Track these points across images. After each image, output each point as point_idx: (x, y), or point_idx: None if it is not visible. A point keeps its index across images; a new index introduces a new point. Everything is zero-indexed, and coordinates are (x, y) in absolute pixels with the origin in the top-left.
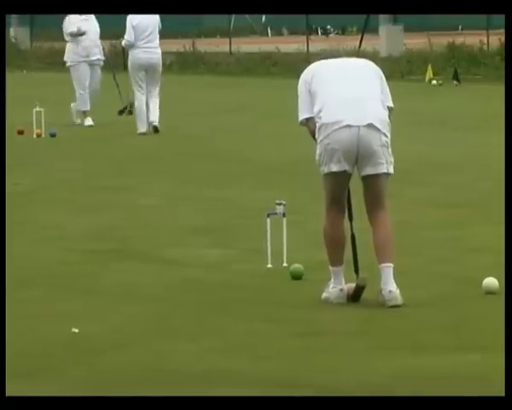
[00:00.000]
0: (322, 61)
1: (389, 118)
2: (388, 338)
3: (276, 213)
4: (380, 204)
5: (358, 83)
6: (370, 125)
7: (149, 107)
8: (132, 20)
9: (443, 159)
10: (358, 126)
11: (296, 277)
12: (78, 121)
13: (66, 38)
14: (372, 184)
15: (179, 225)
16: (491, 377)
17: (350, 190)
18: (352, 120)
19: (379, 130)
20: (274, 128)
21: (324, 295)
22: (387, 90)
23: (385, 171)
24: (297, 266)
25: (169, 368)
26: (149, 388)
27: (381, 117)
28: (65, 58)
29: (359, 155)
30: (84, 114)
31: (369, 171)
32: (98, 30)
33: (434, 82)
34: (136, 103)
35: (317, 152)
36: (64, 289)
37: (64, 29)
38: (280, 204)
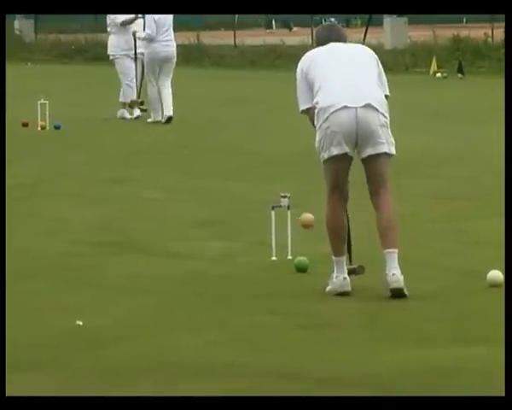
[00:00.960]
0: (319, 48)
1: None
2: (392, 331)
3: (280, 206)
4: (382, 186)
5: (355, 67)
6: (368, 106)
7: (163, 98)
8: (154, 14)
9: (447, 152)
10: (356, 107)
11: (300, 269)
12: (128, 116)
13: (112, 29)
14: (373, 165)
15: (183, 218)
16: (495, 370)
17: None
18: (349, 102)
19: (377, 109)
20: (279, 121)
21: (328, 288)
22: (384, 76)
23: (386, 151)
24: (301, 258)
25: (173, 360)
26: (153, 380)
27: (378, 98)
28: (108, 51)
29: (359, 136)
30: (131, 105)
31: (369, 151)
32: (142, 23)
33: (439, 75)
34: (149, 94)
35: (317, 138)
36: (68, 281)
37: (110, 21)
38: (284, 197)
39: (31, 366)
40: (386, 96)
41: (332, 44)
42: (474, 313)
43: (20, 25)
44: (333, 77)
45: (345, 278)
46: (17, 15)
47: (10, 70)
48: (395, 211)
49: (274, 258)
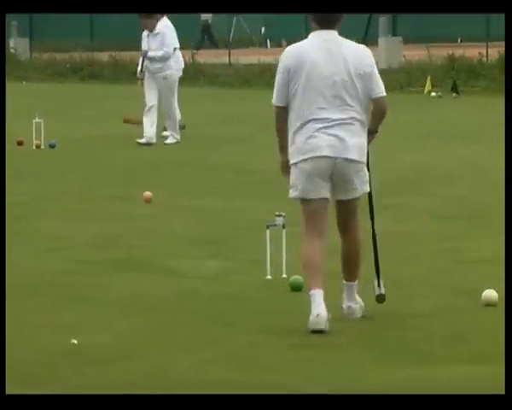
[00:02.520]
0: (307, 48)
1: (381, 107)
2: (389, 349)
3: (275, 225)
4: (352, 220)
5: (341, 97)
6: (347, 160)
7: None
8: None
9: (442, 170)
10: (336, 158)
11: (295, 288)
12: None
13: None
14: (344, 207)
15: (179, 236)
16: (492, 388)
17: (372, 193)
18: (331, 152)
19: (355, 161)
20: (273, 140)
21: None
22: (376, 78)
23: (357, 196)
24: (296, 277)
25: (169, 378)
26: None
27: (359, 145)
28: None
29: (333, 180)
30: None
31: (341, 196)
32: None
33: (433, 94)
34: (178, 116)
35: (292, 173)
36: (66, 299)
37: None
38: (280, 216)
39: (28, 383)
40: (382, 98)
41: (322, 44)
42: (470, 331)
43: (15, 43)
44: (316, 114)
45: (318, 315)
46: (12, 34)
47: (5, 85)
48: (361, 243)
49: (269, 277)
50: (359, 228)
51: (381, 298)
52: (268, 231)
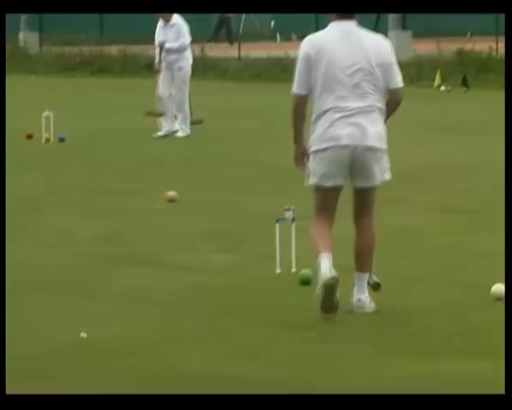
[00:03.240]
0: (328, 36)
1: (397, 97)
2: (397, 344)
3: (285, 219)
4: (368, 210)
5: (361, 85)
6: (367, 148)
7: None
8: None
9: (452, 164)
10: (356, 146)
11: (305, 282)
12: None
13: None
14: (363, 195)
15: (188, 230)
16: (499, 383)
17: None
18: (351, 141)
19: (376, 149)
20: (283, 133)
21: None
22: (396, 69)
23: (376, 184)
24: (305, 271)
25: (178, 372)
26: (159, 392)
27: (379, 133)
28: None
29: (352, 169)
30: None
31: (360, 184)
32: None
33: (443, 88)
34: (188, 107)
35: (311, 159)
36: (73, 293)
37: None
38: (289, 209)
39: (34, 377)
40: (399, 89)
41: (342, 34)
42: (477, 326)
43: (25, 37)
44: (335, 103)
45: (327, 272)
46: (21, 27)
47: (15, 82)
48: (375, 235)
49: (278, 271)
50: (374, 218)
51: (377, 286)
52: (277, 225)
